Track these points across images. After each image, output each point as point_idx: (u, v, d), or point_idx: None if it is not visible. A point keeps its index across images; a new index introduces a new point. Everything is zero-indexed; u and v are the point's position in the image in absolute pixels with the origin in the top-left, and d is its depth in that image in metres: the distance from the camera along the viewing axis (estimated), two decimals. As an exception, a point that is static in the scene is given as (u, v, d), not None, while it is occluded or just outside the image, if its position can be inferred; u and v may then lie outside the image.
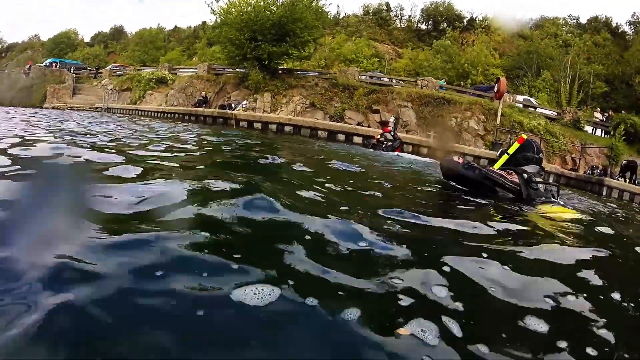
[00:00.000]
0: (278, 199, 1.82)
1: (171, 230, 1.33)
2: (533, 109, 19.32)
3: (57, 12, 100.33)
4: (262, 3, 18.89)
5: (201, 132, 8.82)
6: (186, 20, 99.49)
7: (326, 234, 1.52)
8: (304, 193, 2.30)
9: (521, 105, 19.11)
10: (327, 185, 2.76)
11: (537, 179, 3.31)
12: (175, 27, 42.88)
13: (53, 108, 24.96)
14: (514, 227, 2.32)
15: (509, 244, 1.93)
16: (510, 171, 3.30)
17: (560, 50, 30.71)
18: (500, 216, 2.66)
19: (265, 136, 8.55)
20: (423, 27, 33.70)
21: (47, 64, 33.11)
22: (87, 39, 45.19)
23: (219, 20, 20.07)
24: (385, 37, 29.48)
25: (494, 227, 2.18)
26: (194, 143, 5.56)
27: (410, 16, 34.47)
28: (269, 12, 18.53)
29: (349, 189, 2.91)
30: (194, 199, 1.82)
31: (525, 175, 3.22)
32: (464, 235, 1.88)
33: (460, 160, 3.50)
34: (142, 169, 2.54)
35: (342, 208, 2.08)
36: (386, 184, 3.74)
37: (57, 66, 31.68)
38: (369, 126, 16.59)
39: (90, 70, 31.18)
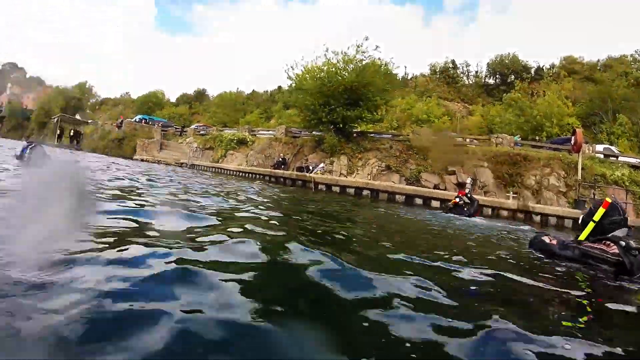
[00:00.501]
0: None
1: None
2: (615, 158, 18.22)
3: (146, 75, 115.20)
4: (333, 69, 20.01)
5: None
6: (262, 84, 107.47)
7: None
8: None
9: (602, 156, 18.14)
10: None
11: (634, 244, 3.06)
12: (253, 91, 46.65)
13: (142, 160, 27.48)
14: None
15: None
16: (607, 242, 3.12)
17: (633, 90, 29.14)
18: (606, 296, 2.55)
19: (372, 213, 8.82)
20: (491, 81, 33.56)
21: (137, 120, 36.84)
22: (172, 99, 50.36)
23: (293, 85, 21.55)
24: (455, 94, 29.64)
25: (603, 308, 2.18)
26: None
27: (477, 72, 34.62)
28: (340, 78, 19.54)
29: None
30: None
31: (623, 243, 3.01)
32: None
33: (554, 242, 3.37)
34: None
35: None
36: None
37: (150, 122, 35.16)
38: (445, 188, 16.54)
39: (176, 128, 34.13)
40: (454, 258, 3.18)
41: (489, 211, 14.11)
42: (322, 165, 18.70)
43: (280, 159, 20.41)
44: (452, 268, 2.72)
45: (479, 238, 5.59)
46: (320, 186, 16.83)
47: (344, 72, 19.91)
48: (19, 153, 10.11)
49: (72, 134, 41.10)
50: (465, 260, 3.13)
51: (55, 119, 43.86)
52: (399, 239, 4.81)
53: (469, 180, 14.85)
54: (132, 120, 36.97)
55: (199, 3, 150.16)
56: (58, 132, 42.24)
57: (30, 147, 9.85)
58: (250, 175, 20.09)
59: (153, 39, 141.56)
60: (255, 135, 24.62)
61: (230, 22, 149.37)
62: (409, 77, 31.89)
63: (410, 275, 2.27)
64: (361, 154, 18.77)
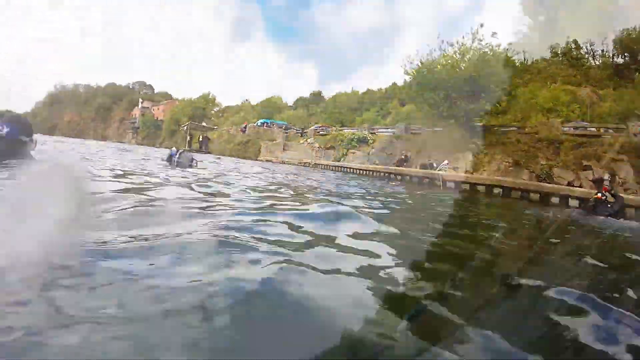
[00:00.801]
0: None
1: None
2: None
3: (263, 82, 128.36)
4: (450, 61, 20.04)
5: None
6: (377, 82, 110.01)
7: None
8: None
9: None
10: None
11: None
12: (368, 89, 48.14)
13: (267, 161, 30.38)
14: None
15: None
16: None
17: None
18: None
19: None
20: (620, 60, 29.78)
21: (260, 124, 40.52)
22: (290, 103, 54.57)
23: (408, 80, 21.91)
24: (582, 78, 27.31)
25: None
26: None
27: (603, 51, 30.85)
28: (458, 70, 19.52)
29: None
30: None
31: None
32: None
33: None
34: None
35: None
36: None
37: (271, 126, 38.62)
38: (580, 186, 15.90)
39: (296, 129, 36.77)
40: None
41: (632, 212, 13.30)
42: (446, 162, 18.94)
43: (403, 157, 21.19)
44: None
45: None
46: (448, 183, 17.33)
47: (461, 64, 19.83)
48: (167, 157, 12.85)
49: (201, 139, 46.03)
50: None
51: (185, 127, 49.44)
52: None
53: (606, 177, 13.96)
54: (255, 124, 40.69)
55: (303, 9, 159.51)
56: (188, 138, 47.41)
57: (179, 152, 12.27)
58: (374, 173, 20.92)
59: (265, 49, 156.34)
60: (375, 133, 25.74)
61: (336, 24, 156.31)
62: (529, 63, 30.03)
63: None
64: (486, 149, 18.64)
